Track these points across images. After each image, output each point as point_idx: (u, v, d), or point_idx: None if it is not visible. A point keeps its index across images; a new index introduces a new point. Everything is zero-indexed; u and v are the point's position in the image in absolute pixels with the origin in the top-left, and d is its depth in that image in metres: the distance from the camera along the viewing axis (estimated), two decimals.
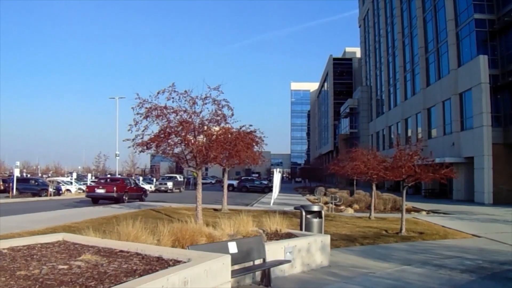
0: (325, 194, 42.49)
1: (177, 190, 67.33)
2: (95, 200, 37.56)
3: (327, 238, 12.67)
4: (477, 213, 31.81)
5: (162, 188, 65.45)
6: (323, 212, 15.41)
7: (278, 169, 47.23)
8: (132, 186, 42.20)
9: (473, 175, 45.67)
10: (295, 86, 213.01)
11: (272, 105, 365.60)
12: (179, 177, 78.38)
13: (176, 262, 7.23)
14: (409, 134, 65.30)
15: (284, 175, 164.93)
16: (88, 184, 47.12)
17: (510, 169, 43.11)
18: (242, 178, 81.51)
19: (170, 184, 66.79)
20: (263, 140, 26.23)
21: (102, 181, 43.08)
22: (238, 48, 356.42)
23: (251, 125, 24.45)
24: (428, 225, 23.09)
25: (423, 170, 20.16)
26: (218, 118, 20.67)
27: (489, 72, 44.96)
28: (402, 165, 20.02)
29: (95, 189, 38.44)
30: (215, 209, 28.82)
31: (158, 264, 7.12)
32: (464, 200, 46.37)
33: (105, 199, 37.28)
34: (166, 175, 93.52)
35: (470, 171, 46.46)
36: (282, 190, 61.15)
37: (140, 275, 6.31)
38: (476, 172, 45.07)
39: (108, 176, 66.86)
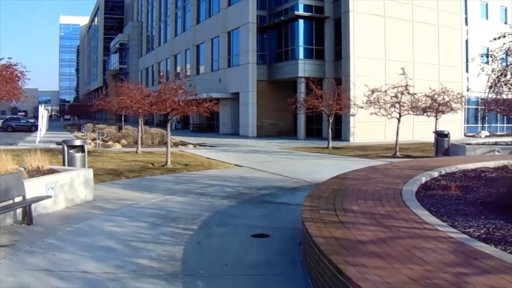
0: (93, 131, 41.47)
1: None
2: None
3: (90, 172, 12.33)
4: (241, 145, 33.42)
5: None
6: (85, 146, 15.00)
7: (43, 106, 44.79)
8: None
9: (239, 110, 47.72)
10: (65, 19, 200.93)
11: (40, 40, 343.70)
12: None
13: None
14: (178, 70, 65.83)
15: (53, 113, 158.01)
16: None
17: (273, 105, 45.49)
18: (7, 117, 76.14)
19: None
20: (25, 75, 24.64)
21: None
22: None
23: (10, 58, 22.87)
24: (194, 157, 23.70)
25: (187, 104, 20.52)
26: None
27: (257, 13, 46.76)
28: (166, 98, 20.17)
29: None
30: None
31: None
32: (230, 134, 48.57)
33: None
34: None
35: (235, 106, 48.53)
36: (51, 128, 59.28)
37: None
38: (241, 107, 47.20)
39: None
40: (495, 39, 13.58)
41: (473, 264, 4.77)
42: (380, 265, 4.75)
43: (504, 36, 13.25)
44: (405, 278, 4.36)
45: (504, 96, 26.00)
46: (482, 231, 6.52)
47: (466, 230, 6.49)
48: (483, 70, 14.04)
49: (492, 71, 14.00)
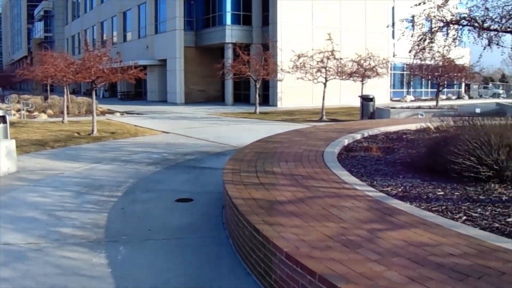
0: (18, 102, 40.19)
1: None
2: None
3: (12, 143, 11.96)
4: (169, 112, 33.26)
5: None
6: (7, 117, 14.49)
7: None
8: None
9: (166, 77, 47.37)
10: None
11: None
12: None
13: None
14: (105, 38, 64.38)
15: None
16: None
17: (201, 71, 45.41)
18: None
19: None
20: None
21: None
22: None
23: None
24: (121, 125, 23.43)
25: (112, 71, 20.35)
26: None
27: None
28: (91, 66, 19.82)
29: None
30: None
31: None
32: (158, 101, 48.23)
33: None
34: None
35: (163, 73, 48.15)
36: None
37: None
38: (169, 74, 46.92)
39: None
40: (416, 5, 13.93)
41: (388, 220, 4.93)
42: (297, 223, 4.85)
43: (425, 3, 13.59)
44: (320, 235, 4.46)
45: (428, 62, 26.88)
46: (400, 190, 6.75)
47: (384, 189, 6.71)
48: (403, 35, 14.44)
49: (412, 36, 14.39)
